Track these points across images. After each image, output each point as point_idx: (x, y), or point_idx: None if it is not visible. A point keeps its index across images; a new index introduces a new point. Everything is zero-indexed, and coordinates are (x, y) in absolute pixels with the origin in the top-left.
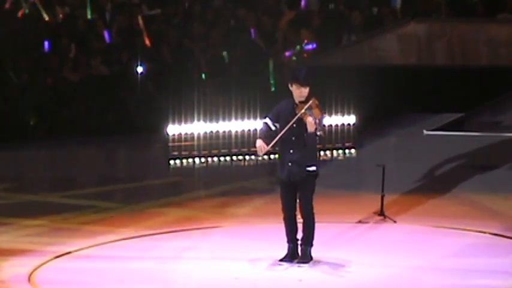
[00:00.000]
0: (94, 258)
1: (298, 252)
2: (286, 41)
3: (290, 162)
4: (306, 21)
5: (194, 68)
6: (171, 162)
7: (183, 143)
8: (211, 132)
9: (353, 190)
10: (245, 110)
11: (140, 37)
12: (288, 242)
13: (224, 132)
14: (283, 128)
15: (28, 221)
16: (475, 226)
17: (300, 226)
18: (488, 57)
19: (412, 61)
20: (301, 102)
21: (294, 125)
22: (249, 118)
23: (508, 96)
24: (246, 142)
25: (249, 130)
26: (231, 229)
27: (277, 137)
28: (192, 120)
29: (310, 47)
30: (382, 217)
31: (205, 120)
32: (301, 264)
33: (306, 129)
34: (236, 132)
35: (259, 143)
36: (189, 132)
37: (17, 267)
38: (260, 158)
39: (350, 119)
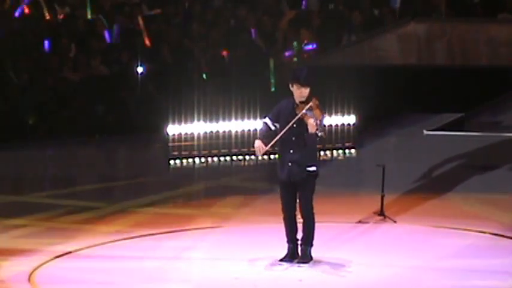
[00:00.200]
0: (94, 258)
1: (298, 252)
2: (286, 41)
3: (290, 162)
4: (306, 21)
5: (194, 68)
6: (171, 162)
7: (183, 143)
8: (211, 132)
9: (353, 190)
10: (245, 110)
11: (140, 37)
12: (288, 242)
13: (224, 132)
14: (283, 128)
15: (28, 221)
16: (475, 226)
17: (300, 226)
18: (488, 57)
19: (412, 61)
20: (301, 102)
21: (294, 125)
22: (249, 118)
23: (508, 96)
24: (246, 142)
25: (249, 130)
26: (231, 229)
27: (277, 138)
28: (192, 120)
29: (310, 47)
30: (382, 217)
31: (205, 120)
32: (301, 264)
33: (307, 129)
34: (236, 132)
35: (258, 143)
36: (189, 132)
37: (17, 267)
38: (260, 158)
39: (350, 119)
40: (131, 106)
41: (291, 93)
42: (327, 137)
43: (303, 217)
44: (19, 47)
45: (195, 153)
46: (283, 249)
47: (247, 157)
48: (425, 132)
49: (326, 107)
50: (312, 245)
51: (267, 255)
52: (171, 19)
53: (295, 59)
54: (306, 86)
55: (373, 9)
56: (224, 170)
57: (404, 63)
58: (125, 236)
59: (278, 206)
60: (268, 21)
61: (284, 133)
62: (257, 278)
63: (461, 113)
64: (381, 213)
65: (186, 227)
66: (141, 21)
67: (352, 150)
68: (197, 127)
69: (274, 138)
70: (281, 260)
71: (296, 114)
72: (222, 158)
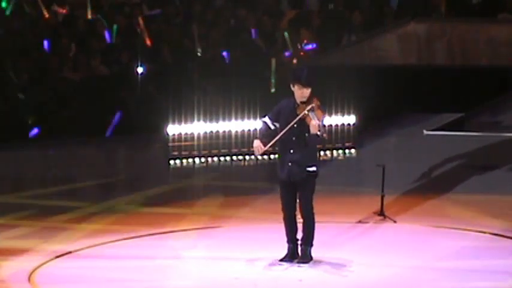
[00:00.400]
0: (94, 258)
1: (298, 252)
2: (286, 41)
3: (290, 162)
4: (306, 21)
5: (194, 68)
6: (171, 162)
7: (183, 143)
8: (211, 132)
9: (353, 190)
10: (245, 110)
11: (140, 37)
12: (288, 242)
13: (224, 132)
14: (283, 128)
15: (28, 221)
16: (475, 226)
17: (300, 226)
18: (488, 57)
19: (412, 61)
20: (302, 102)
21: (295, 126)
22: (249, 118)
23: (508, 96)
24: (246, 142)
25: (249, 130)
26: (231, 229)
27: (277, 138)
28: (192, 120)
29: (310, 47)
30: (382, 217)
31: (205, 120)
32: (301, 264)
33: (308, 130)
34: (236, 132)
35: (257, 143)
36: (189, 132)
37: (17, 267)
38: (260, 158)
39: (350, 119)
40: (131, 106)
41: (291, 93)
42: (327, 137)
43: (303, 217)
44: (19, 47)
45: (195, 153)
46: (283, 249)
47: (247, 157)
48: (425, 132)
49: (326, 107)
50: (312, 245)
51: (267, 255)
52: (171, 19)
53: (294, 61)
54: (308, 86)
55: (373, 9)
56: (224, 170)
57: (404, 63)
58: (125, 236)
59: (278, 206)
60: (268, 21)
61: (284, 133)
62: (257, 278)
63: (461, 113)
64: (381, 213)
65: (186, 227)
66: (141, 21)
67: (352, 150)
68: (197, 127)
69: (274, 137)
70: (281, 260)
71: (297, 115)
72: (222, 158)
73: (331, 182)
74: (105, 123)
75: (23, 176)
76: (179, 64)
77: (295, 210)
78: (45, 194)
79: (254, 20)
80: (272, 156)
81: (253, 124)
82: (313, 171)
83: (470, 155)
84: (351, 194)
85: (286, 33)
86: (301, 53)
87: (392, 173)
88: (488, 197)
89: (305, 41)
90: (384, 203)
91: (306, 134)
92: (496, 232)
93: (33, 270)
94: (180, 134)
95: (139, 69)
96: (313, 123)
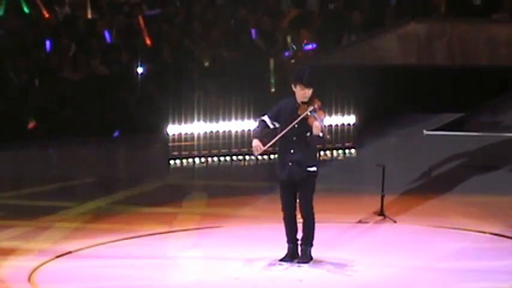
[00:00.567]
0: (94, 258)
1: (298, 252)
2: (286, 41)
3: (291, 162)
4: (306, 22)
5: (194, 68)
6: (171, 162)
7: (183, 143)
8: (211, 132)
9: (353, 190)
10: (245, 110)
11: (140, 37)
12: (288, 242)
13: (224, 132)
14: (284, 128)
15: (28, 221)
16: (475, 226)
17: (300, 226)
18: (488, 57)
19: (412, 61)
20: (303, 102)
21: (296, 126)
22: (249, 118)
23: (508, 96)
24: (246, 142)
25: (249, 130)
26: (231, 229)
27: (276, 138)
28: (192, 120)
29: (310, 47)
30: (382, 217)
31: (205, 120)
32: (301, 264)
33: (310, 130)
34: (236, 132)
35: (256, 142)
36: (189, 132)
37: (17, 267)
38: (260, 158)
39: (350, 119)
40: (131, 106)
41: (292, 93)
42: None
43: (303, 217)
44: (19, 47)
45: (195, 153)
46: (283, 249)
47: (247, 157)
48: (425, 132)
49: (326, 107)
50: (312, 245)
51: (267, 255)
52: (171, 19)
53: (292, 61)
54: (310, 86)
55: (373, 9)
56: (224, 170)
57: (404, 63)
58: (125, 236)
59: (278, 206)
60: (268, 21)
61: (284, 133)
62: (257, 278)
63: (461, 113)
64: (381, 213)
65: (186, 227)
66: (141, 21)
67: (352, 150)
68: (197, 127)
69: (273, 137)
70: (281, 260)
71: (298, 115)
72: (222, 158)
73: (331, 182)
74: (105, 123)
75: (22, 175)
76: (179, 64)
77: (295, 210)
78: (45, 194)
79: (254, 20)
80: (272, 156)
81: (253, 124)
82: (314, 171)
83: (470, 155)
84: (351, 194)
85: (289, 39)
86: (300, 54)
87: (392, 173)
88: (488, 197)
89: (305, 41)
90: (384, 203)
91: (308, 134)
92: (496, 232)
93: (33, 270)
94: (180, 134)
95: (139, 69)
96: (317, 125)
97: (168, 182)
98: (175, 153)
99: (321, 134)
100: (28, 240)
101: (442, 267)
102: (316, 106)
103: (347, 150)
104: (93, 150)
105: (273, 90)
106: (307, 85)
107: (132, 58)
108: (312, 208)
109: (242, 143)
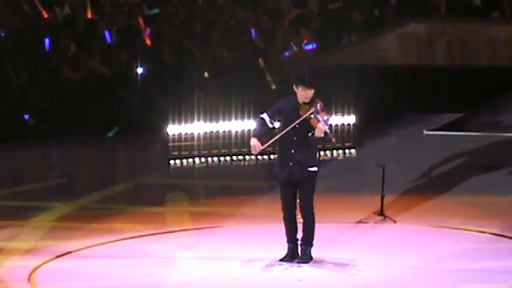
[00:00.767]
0: (94, 258)
1: (298, 252)
2: (286, 41)
3: (292, 162)
4: (306, 22)
5: (194, 68)
6: (171, 162)
7: (183, 143)
8: (211, 132)
9: (353, 190)
10: (245, 110)
11: (140, 37)
12: (288, 242)
13: (224, 132)
14: (285, 128)
15: (28, 221)
16: (475, 226)
17: (300, 226)
18: (488, 57)
19: (412, 61)
20: (305, 103)
21: (297, 126)
22: (249, 118)
23: (508, 96)
24: (246, 142)
25: (249, 130)
26: (231, 229)
27: (276, 137)
28: (192, 120)
29: (310, 47)
30: (382, 217)
31: (205, 120)
32: (301, 264)
33: (310, 131)
34: (236, 132)
35: (254, 141)
36: (189, 132)
37: (17, 267)
38: (260, 158)
39: (350, 119)
40: (131, 106)
41: (293, 93)
42: (328, 138)
43: (303, 217)
44: (19, 47)
45: (195, 153)
46: (283, 249)
47: (247, 157)
48: (425, 132)
49: (326, 107)
50: (312, 245)
51: (267, 255)
52: (171, 19)
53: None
54: (311, 87)
55: (373, 9)
56: (224, 170)
57: (404, 63)
58: (125, 236)
59: (278, 206)
60: (268, 21)
61: (285, 133)
62: (257, 278)
63: (461, 113)
64: (381, 213)
65: (186, 227)
66: (141, 21)
67: (352, 150)
68: (197, 127)
69: (272, 136)
70: (281, 260)
71: (299, 115)
72: (222, 158)
73: (331, 182)
74: (105, 123)
75: (22, 175)
76: (179, 64)
77: (295, 210)
78: (45, 193)
79: (254, 20)
80: (272, 156)
81: (253, 124)
82: (315, 171)
83: (470, 155)
84: (351, 194)
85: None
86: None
87: (392, 173)
88: (488, 197)
89: (305, 41)
90: (384, 203)
91: (309, 134)
92: (496, 232)
93: (33, 270)
94: (180, 134)
95: (139, 70)
96: (320, 127)
97: (168, 182)
98: (175, 153)
99: (323, 136)
100: (28, 240)
101: (442, 267)
102: (318, 107)
103: (347, 150)
104: (93, 150)
105: (273, 87)
106: (309, 86)
107: (132, 58)
108: (312, 208)
109: (242, 143)
